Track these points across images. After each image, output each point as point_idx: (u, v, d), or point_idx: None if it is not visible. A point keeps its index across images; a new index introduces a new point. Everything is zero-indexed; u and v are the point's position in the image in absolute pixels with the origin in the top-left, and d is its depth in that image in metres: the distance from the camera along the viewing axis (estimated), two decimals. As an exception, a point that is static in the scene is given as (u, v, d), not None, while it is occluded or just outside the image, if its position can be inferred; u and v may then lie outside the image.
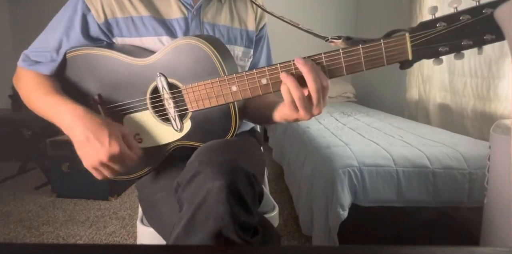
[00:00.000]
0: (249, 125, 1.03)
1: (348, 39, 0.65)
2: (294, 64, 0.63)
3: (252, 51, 0.95)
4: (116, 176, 0.74)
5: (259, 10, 0.94)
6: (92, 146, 0.69)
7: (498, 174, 1.18)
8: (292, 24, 0.77)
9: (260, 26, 0.96)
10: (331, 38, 0.68)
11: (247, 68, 0.96)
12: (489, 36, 0.54)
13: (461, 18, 0.54)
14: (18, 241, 1.75)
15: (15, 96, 3.04)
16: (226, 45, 0.85)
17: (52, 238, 1.78)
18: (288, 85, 0.62)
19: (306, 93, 0.63)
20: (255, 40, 0.96)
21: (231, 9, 0.90)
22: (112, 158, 0.69)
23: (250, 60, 0.96)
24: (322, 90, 0.62)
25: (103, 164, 0.70)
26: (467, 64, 1.99)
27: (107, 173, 0.72)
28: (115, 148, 0.68)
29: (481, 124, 1.89)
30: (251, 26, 0.93)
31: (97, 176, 0.73)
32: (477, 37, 0.54)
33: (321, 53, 0.63)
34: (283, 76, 0.63)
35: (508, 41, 0.48)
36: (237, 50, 0.90)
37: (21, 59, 0.82)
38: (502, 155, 1.17)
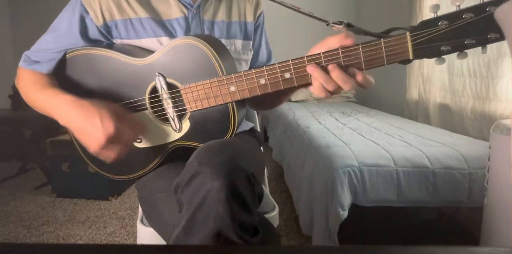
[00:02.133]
0: (248, 125, 1.03)
1: (349, 25, 0.65)
2: (292, 64, 0.63)
3: (251, 43, 0.95)
4: (124, 150, 0.72)
5: None
6: (88, 132, 0.68)
7: (498, 174, 1.18)
8: (293, 9, 0.76)
9: (257, 14, 0.96)
10: (333, 23, 0.67)
11: (249, 61, 0.96)
12: (493, 35, 0.52)
13: (464, 16, 0.53)
14: (18, 241, 1.75)
15: (15, 96, 3.04)
16: (227, 40, 0.85)
17: (52, 238, 1.78)
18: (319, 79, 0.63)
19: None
20: (254, 28, 0.96)
21: (229, 3, 0.90)
22: (110, 138, 0.68)
23: (251, 53, 0.96)
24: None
25: (105, 146, 0.68)
26: (466, 64, 1.99)
27: (113, 154, 0.70)
28: (110, 128, 0.67)
29: (481, 124, 1.88)
30: (249, 17, 0.93)
31: (107, 159, 0.72)
32: (481, 36, 0.53)
33: (319, 53, 0.62)
34: (310, 70, 0.63)
35: (508, 41, 0.47)
36: (237, 44, 0.91)
37: (22, 60, 0.84)
38: (502, 155, 1.17)
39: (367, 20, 3.72)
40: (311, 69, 0.63)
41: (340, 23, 0.65)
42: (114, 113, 0.70)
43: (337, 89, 0.64)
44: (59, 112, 0.73)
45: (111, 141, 0.68)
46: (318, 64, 0.62)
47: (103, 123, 0.67)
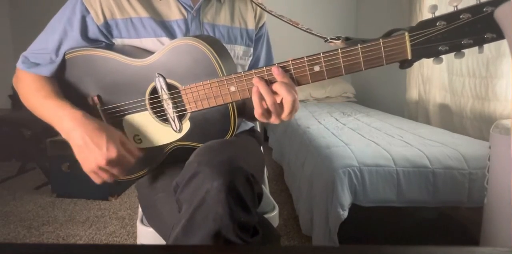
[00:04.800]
0: (248, 125, 1.03)
1: (347, 40, 0.65)
2: (292, 64, 0.63)
3: (252, 49, 0.95)
4: (114, 179, 0.75)
5: (259, 8, 0.94)
6: (90, 151, 0.69)
7: (498, 174, 1.18)
8: (291, 24, 0.77)
9: (260, 24, 0.96)
10: (330, 39, 0.68)
11: (247, 67, 0.96)
12: (490, 34, 0.53)
13: (461, 16, 0.54)
14: (18, 241, 1.75)
15: (15, 96, 3.04)
16: (227, 45, 0.85)
17: (52, 238, 1.78)
18: (261, 90, 0.63)
19: (278, 100, 0.63)
20: (255, 39, 0.96)
21: (231, 8, 0.90)
22: (110, 162, 0.69)
23: (250, 58, 0.96)
24: (294, 102, 0.63)
25: (101, 168, 0.70)
26: (465, 64, 1.99)
27: (105, 177, 0.72)
28: (113, 153, 0.69)
29: (480, 124, 1.88)
30: (250, 24, 0.93)
31: (96, 180, 0.73)
32: (478, 36, 0.54)
33: (319, 53, 0.62)
34: (256, 80, 0.63)
35: (508, 41, 0.47)
36: (238, 49, 0.91)
37: (20, 61, 0.82)
38: (502, 155, 1.17)
39: (367, 21, 3.72)
40: (256, 80, 0.63)
41: (338, 38, 0.66)
42: (120, 141, 0.72)
43: (274, 105, 0.63)
44: (63, 125, 0.73)
45: (109, 165, 0.70)
46: (317, 64, 0.62)
47: (109, 147, 0.69)
